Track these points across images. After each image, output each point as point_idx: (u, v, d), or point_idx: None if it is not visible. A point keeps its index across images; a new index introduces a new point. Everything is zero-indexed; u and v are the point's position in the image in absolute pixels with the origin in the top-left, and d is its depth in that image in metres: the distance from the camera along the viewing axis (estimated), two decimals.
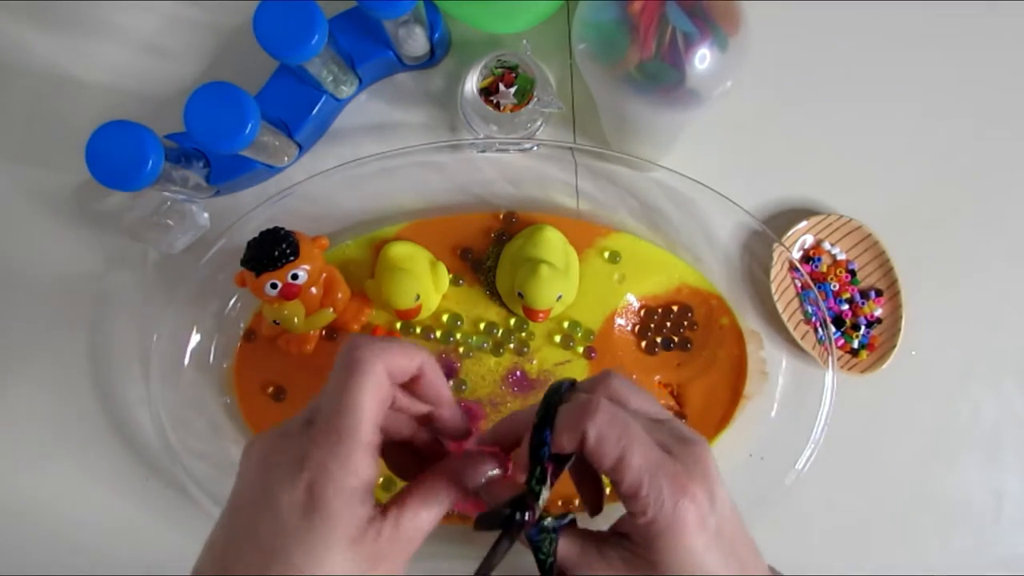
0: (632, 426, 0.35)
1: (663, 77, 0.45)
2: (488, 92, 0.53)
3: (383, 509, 0.34)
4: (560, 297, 0.54)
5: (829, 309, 0.58)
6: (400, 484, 0.55)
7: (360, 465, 0.33)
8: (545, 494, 0.34)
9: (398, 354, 0.35)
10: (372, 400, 0.33)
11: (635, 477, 0.34)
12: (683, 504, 0.34)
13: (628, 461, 0.34)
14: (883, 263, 0.58)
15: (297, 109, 0.55)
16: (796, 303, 0.58)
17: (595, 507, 0.41)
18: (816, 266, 0.59)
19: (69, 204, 0.59)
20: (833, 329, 0.57)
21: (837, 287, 0.58)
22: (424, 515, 0.34)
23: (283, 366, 0.56)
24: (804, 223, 0.58)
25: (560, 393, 0.37)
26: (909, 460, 0.60)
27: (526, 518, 0.33)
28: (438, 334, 0.57)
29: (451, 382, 0.56)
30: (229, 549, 0.33)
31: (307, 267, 0.51)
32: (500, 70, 0.53)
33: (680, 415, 0.57)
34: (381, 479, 0.56)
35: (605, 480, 0.41)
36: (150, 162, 0.47)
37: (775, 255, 0.57)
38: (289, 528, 0.32)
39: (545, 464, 0.34)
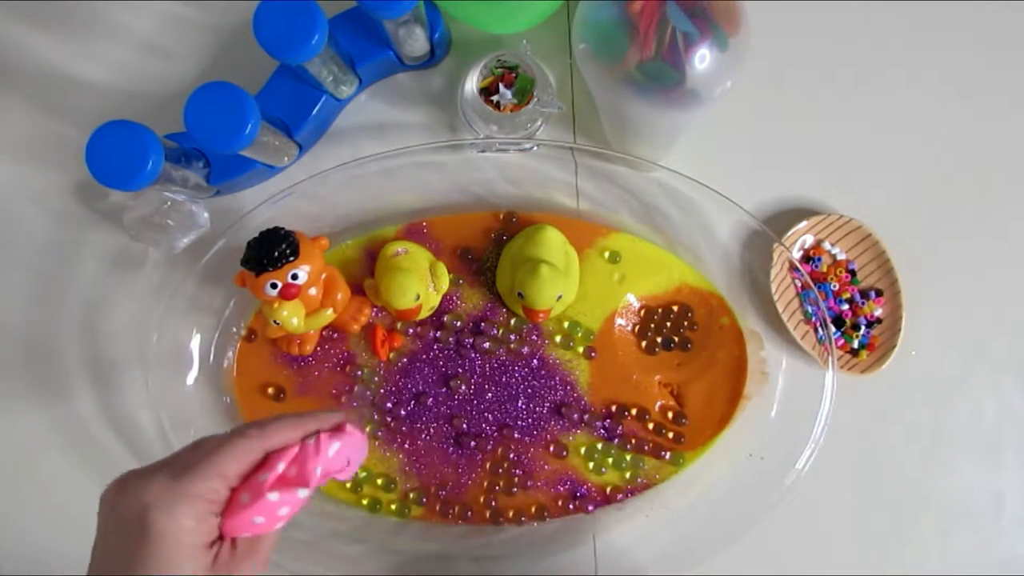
0: None
1: (663, 77, 0.45)
2: (488, 92, 0.53)
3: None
4: (560, 297, 0.54)
5: (829, 309, 0.58)
6: (401, 482, 0.54)
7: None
8: None
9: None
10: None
11: None
12: None
13: None
14: (883, 263, 0.58)
15: (297, 109, 0.55)
16: (796, 303, 0.58)
17: None
18: (816, 266, 0.59)
19: (69, 204, 0.59)
20: (833, 329, 0.57)
21: (837, 287, 0.58)
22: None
23: (283, 366, 0.56)
24: (804, 223, 0.58)
25: None
26: (909, 460, 0.60)
27: None
28: (438, 334, 0.57)
29: (449, 382, 0.56)
30: None
31: (307, 267, 0.51)
32: (500, 70, 0.54)
33: (680, 415, 0.57)
34: (380, 480, 0.56)
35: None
36: (150, 162, 0.47)
37: (775, 255, 0.57)
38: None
39: None
